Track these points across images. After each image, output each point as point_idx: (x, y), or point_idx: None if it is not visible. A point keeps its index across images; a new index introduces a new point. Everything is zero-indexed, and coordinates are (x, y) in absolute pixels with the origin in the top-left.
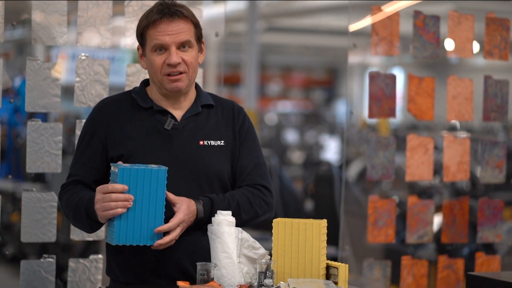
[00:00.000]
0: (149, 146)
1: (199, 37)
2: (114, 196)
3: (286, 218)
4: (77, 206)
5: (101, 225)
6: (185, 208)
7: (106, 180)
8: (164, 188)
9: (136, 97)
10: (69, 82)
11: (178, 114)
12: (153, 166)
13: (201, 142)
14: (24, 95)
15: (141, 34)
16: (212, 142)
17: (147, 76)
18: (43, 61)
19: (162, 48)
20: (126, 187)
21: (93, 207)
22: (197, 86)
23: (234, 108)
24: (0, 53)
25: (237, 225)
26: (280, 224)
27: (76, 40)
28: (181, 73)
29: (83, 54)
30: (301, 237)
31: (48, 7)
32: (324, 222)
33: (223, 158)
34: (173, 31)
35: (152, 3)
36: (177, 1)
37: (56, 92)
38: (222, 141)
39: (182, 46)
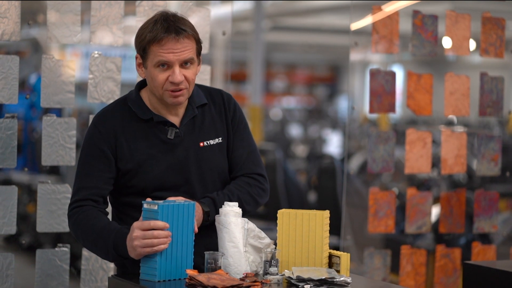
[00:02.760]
0: (156, 157)
1: (199, 52)
2: (156, 233)
3: (291, 209)
4: (101, 236)
5: (123, 259)
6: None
7: (116, 193)
8: (193, 220)
9: (135, 109)
10: (83, 79)
11: (176, 120)
12: (180, 200)
13: (201, 144)
14: (39, 91)
15: (144, 48)
16: (211, 142)
17: None
18: (58, 59)
19: (166, 64)
20: (167, 224)
21: (123, 241)
22: None
23: (224, 98)
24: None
25: (242, 216)
26: (284, 215)
27: (90, 38)
28: (182, 89)
29: (96, 52)
30: (305, 227)
31: (63, 7)
32: (326, 213)
33: (222, 154)
34: (178, 49)
35: (162, 3)
36: (178, 14)
37: (70, 88)
38: (220, 138)
39: (184, 63)
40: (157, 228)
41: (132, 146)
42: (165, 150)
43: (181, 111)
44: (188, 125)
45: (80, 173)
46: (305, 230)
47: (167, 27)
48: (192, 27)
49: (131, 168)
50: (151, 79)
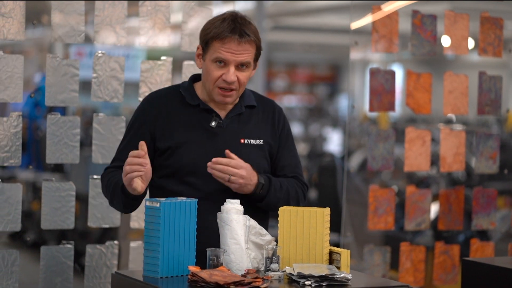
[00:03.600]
0: (195, 141)
1: (257, 57)
2: (129, 160)
3: (292, 206)
4: (116, 185)
5: (135, 204)
6: (249, 167)
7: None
8: (195, 217)
9: (185, 94)
10: (87, 78)
11: (222, 113)
12: (182, 198)
13: (242, 140)
14: (44, 90)
15: (207, 41)
16: (252, 141)
17: (161, 73)
18: (62, 58)
19: (222, 62)
20: (142, 152)
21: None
22: None
23: (275, 109)
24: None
25: (274, 206)
26: (285, 212)
27: (93, 38)
28: (232, 90)
29: (99, 52)
30: (306, 224)
31: (67, 7)
32: (327, 210)
33: (261, 155)
34: (238, 52)
35: (165, 3)
36: (247, 18)
37: (74, 87)
38: (261, 141)
39: (241, 65)
40: (135, 156)
41: (174, 127)
42: (205, 137)
43: (229, 107)
44: (232, 120)
45: (120, 145)
46: (306, 227)
47: (233, 27)
48: (256, 33)
49: (169, 147)
50: (206, 72)
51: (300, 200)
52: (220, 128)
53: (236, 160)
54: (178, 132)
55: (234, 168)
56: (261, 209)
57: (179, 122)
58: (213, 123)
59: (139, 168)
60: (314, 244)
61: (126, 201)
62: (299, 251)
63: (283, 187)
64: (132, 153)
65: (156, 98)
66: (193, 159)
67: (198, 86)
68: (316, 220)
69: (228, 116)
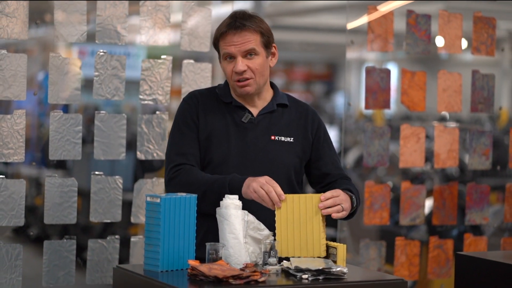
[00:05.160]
0: (228, 135)
1: (266, 44)
2: (271, 194)
3: (288, 194)
4: (215, 181)
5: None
6: (343, 193)
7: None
8: (195, 213)
9: (220, 93)
10: (88, 76)
11: (254, 111)
12: (183, 194)
13: (273, 137)
14: (47, 88)
15: (216, 44)
16: (283, 138)
17: (161, 71)
18: (64, 57)
19: (231, 56)
20: (283, 196)
21: (240, 180)
22: (274, 86)
23: (309, 110)
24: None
25: (350, 214)
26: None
27: (95, 37)
28: (247, 79)
29: (101, 50)
30: (302, 210)
31: (69, 7)
32: (319, 196)
33: (291, 153)
34: (238, 42)
35: (165, 3)
36: (249, 12)
37: (77, 85)
38: (292, 138)
39: (248, 54)
40: (275, 191)
41: (209, 120)
42: (237, 131)
43: (260, 104)
44: (264, 117)
45: (174, 142)
46: (302, 213)
47: (229, 23)
48: (256, 22)
49: (204, 139)
50: (224, 71)
51: (359, 194)
52: (252, 124)
53: (332, 191)
54: (212, 125)
55: (338, 197)
56: None
57: (214, 117)
58: (244, 119)
59: (268, 199)
60: (311, 228)
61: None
62: (297, 236)
63: (354, 193)
64: (275, 186)
65: (198, 94)
66: (223, 152)
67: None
68: (313, 205)
69: (260, 113)
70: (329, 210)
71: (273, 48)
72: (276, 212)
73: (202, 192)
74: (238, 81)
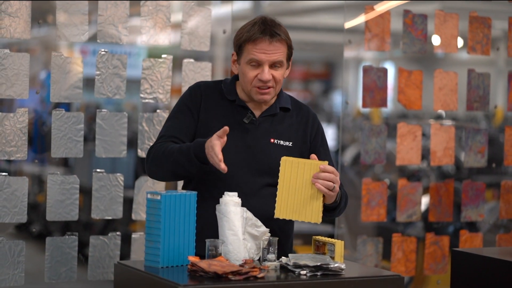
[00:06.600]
0: (227, 133)
1: (289, 57)
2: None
3: (293, 158)
4: (181, 151)
5: (202, 164)
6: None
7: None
8: (195, 209)
9: (225, 89)
10: (90, 75)
11: (257, 112)
12: (182, 191)
13: (272, 140)
14: (49, 87)
15: (240, 46)
16: (282, 142)
17: (161, 71)
18: (66, 56)
19: (257, 63)
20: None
21: (201, 144)
22: None
23: (309, 114)
24: (27, 49)
25: (339, 212)
26: (287, 162)
27: (96, 37)
28: (269, 87)
29: (102, 50)
30: (306, 175)
31: (71, 7)
32: (325, 163)
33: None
34: (270, 51)
35: (166, 3)
36: (276, 21)
37: (78, 84)
38: (291, 143)
39: (274, 65)
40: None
41: (209, 117)
42: (237, 130)
43: (264, 107)
44: (265, 119)
45: (166, 124)
46: (306, 178)
47: (263, 29)
48: (286, 33)
49: (203, 135)
50: (242, 75)
51: (347, 200)
52: (253, 125)
53: (333, 169)
54: (212, 122)
55: (337, 177)
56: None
57: (215, 113)
58: (246, 119)
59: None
60: (309, 194)
61: (193, 165)
62: (298, 200)
63: (343, 196)
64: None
65: (203, 86)
66: (222, 150)
67: (239, 85)
68: (313, 172)
69: (262, 115)
70: (321, 182)
71: (290, 61)
72: (279, 174)
73: (171, 161)
74: (259, 88)
